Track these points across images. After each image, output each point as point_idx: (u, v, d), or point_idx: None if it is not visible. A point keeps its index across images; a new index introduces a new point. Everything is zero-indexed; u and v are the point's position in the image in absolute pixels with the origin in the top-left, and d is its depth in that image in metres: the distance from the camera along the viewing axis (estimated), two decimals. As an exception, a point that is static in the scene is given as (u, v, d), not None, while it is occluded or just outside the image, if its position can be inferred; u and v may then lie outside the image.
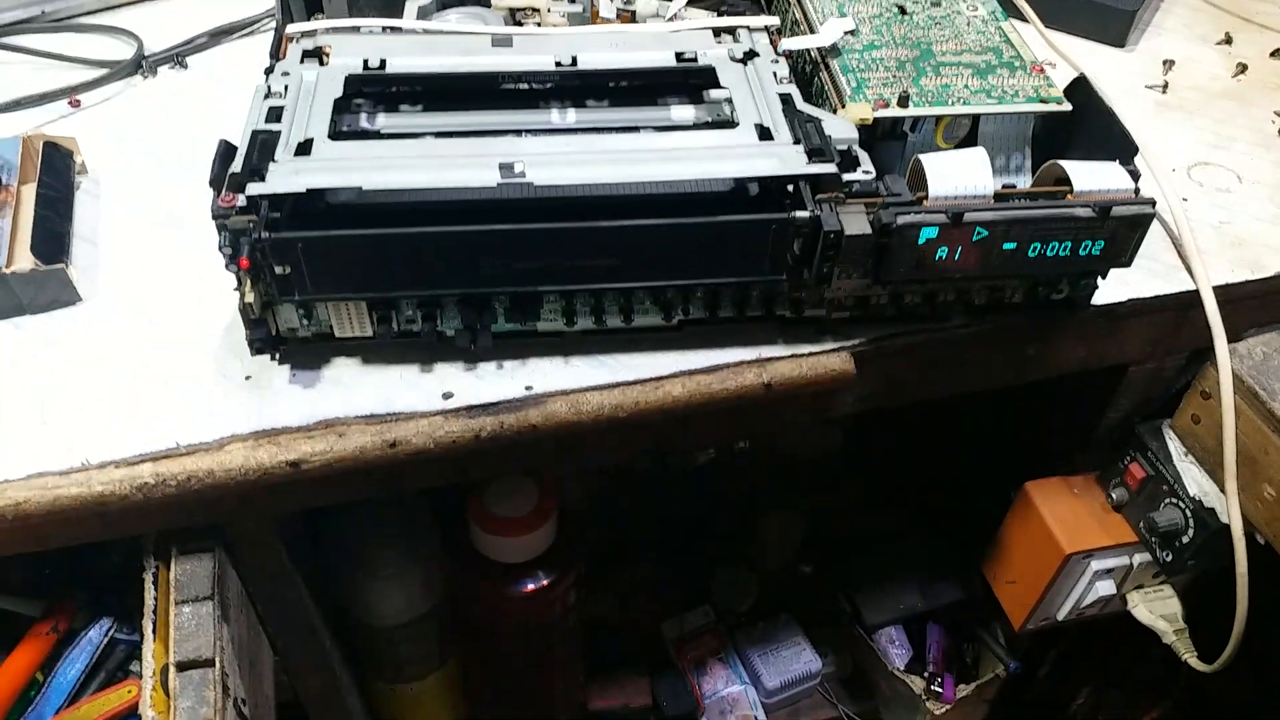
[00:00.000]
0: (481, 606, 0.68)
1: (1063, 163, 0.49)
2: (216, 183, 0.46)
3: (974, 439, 0.84)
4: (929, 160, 0.48)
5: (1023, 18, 0.71)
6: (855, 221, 0.47)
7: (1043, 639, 0.84)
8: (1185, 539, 0.63)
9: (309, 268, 0.45)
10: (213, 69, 0.71)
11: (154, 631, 0.49)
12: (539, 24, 0.62)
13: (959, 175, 0.48)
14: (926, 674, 0.87)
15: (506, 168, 0.47)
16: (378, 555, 0.65)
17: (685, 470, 0.96)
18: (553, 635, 0.71)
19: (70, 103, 0.66)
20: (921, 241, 0.48)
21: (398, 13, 0.62)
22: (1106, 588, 0.69)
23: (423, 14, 0.61)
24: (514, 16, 0.62)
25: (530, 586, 0.67)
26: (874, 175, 0.48)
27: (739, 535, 0.97)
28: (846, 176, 0.48)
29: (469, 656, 0.75)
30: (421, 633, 0.69)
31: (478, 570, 0.66)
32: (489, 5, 0.62)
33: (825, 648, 0.92)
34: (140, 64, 0.69)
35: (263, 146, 0.48)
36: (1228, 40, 0.77)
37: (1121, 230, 0.48)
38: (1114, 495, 0.68)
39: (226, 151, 0.48)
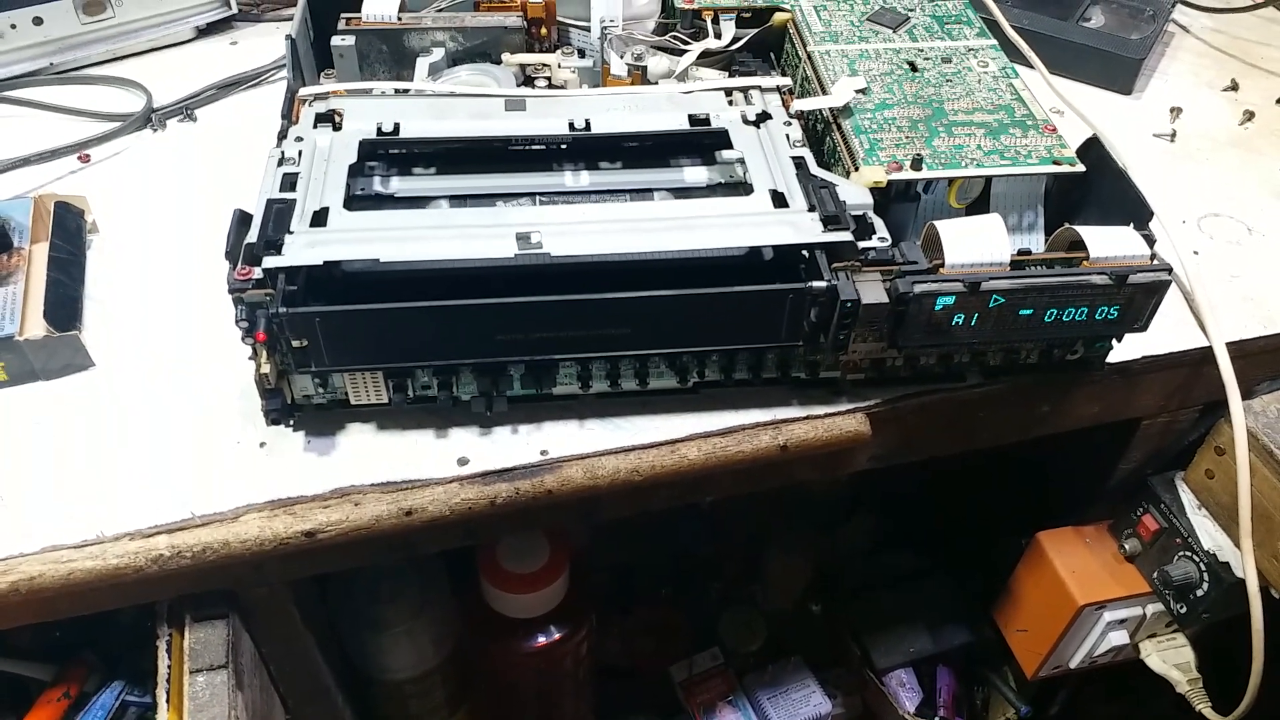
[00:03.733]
0: (493, 662, 0.68)
1: (1077, 228, 0.50)
2: (232, 255, 0.46)
3: (985, 485, 0.84)
4: (945, 228, 0.48)
5: (1029, 64, 0.71)
6: (872, 290, 0.47)
7: (1053, 680, 0.84)
8: (1199, 592, 0.63)
9: (326, 340, 0.45)
10: (222, 121, 0.71)
11: (167, 700, 0.49)
12: (549, 79, 0.62)
13: (975, 243, 0.48)
14: (938, 718, 0.86)
15: (523, 238, 0.47)
16: (387, 611, 0.65)
17: (692, 505, 0.96)
18: (564, 688, 0.71)
19: (80, 158, 0.66)
20: (938, 309, 0.48)
21: (408, 70, 0.62)
22: (1119, 638, 0.69)
23: (433, 71, 0.61)
24: (525, 73, 0.62)
25: (542, 641, 0.66)
26: (889, 242, 0.48)
27: (746, 575, 0.97)
28: (862, 244, 0.48)
29: (478, 708, 0.75)
30: (431, 686, 0.69)
31: (490, 626, 0.66)
32: (499, 62, 0.62)
33: (835, 690, 0.91)
34: (150, 117, 0.69)
35: (278, 216, 0.47)
36: (1234, 86, 0.77)
37: (1138, 296, 0.49)
38: (1126, 546, 0.68)
39: (241, 221, 0.48)
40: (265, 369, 0.47)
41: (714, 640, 0.93)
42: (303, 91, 0.56)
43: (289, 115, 0.56)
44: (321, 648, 0.58)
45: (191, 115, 0.70)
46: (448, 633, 0.68)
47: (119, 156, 0.67)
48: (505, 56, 0.62)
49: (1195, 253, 0.63)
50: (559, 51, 0.64)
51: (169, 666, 0.50)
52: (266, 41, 0.78)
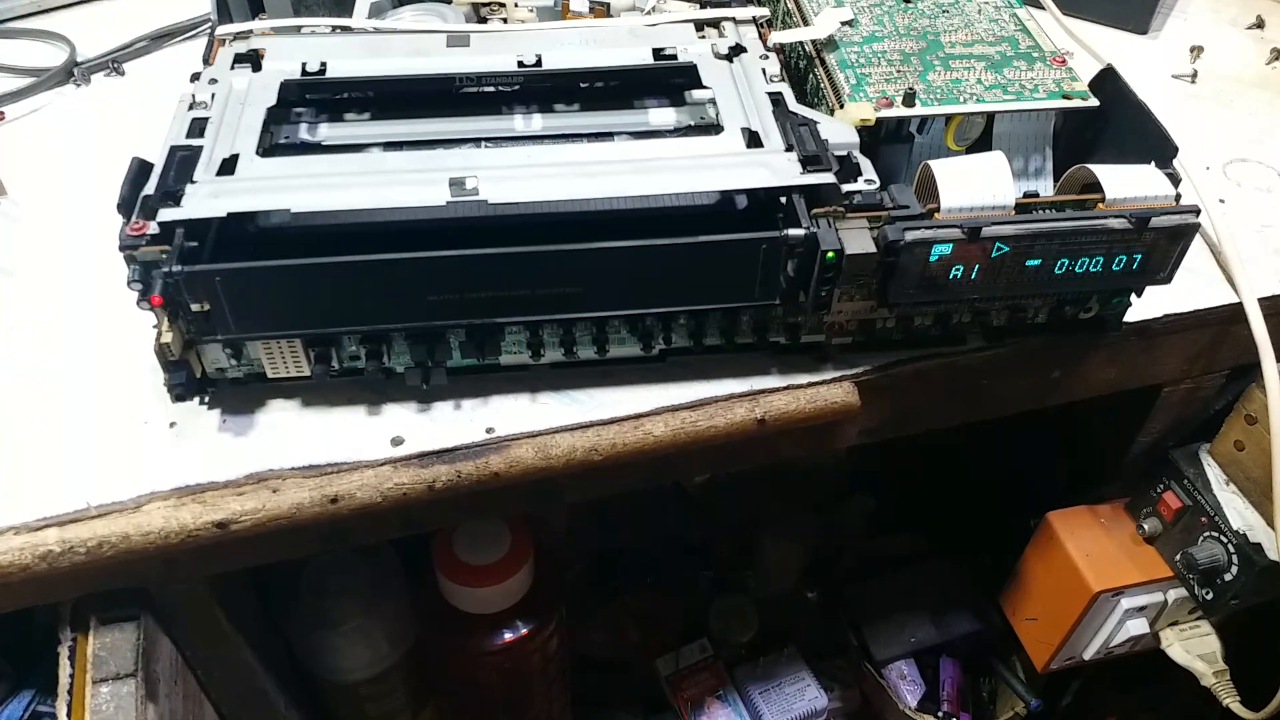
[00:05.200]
0: (453, 661, 0.63)
1: (1091, 166, 0.44)
2: (126, 207, 0.41)
3: (991, 459, 0.78)
4: (940, 167, 0.42)
5: (1038, 4, 0.65)
6: (857, 239, 0.41)
7: (1066, 671, 0.79)
8: (1227, 576, 0.57)
9: (230, 304, 0.40)
10: (152, 76, 0.65)
11: (69, 713, 0.44)
12: (505, 20, 0.56)
13: (974, 184, 0.42)
14: (941, 713, 0.81)
15: (457, 184, 0.41)
16: (336, 606, 0.59)
17: (678, 486, 0.90)
18: (534, 686, 0.65)
19: (-7, 115, 0.60)
20: (933, 260, 0.42)
21: (349, 11, 0.56)
22: (1138, 626, 0.63)
23: (375, 12, 0.55)
24: (477, 13, 0.56)
25: (508, 637, 0.61)
26: (877, 185, 0.43)
27: (737, 560, 0.92)
28: (846, 187, 0.42)
29: (444, 708, 0.69)
30: (389, 687, 0.64)
31: (447, 622, 0.60)
32: (449, 1, 0.56)
33: (831, 683, 0.86)
34: (72, 71, 0.63)
35: (181, 165, 0.42)
36: (1259, 24, 0.71)
37: (1161, 243, 0.43)
38: (1145, 526, 0.62)
39: (140, 170, 0.42)
40: (166, 338, 0.41)
41: (703, 631, 0.88)
42: (220, 30, 0.50)
43: (209, 59, 0.50)
44: (255, 649, 0.53)
45: (119, 69, 0.64)
46: (405, 628, 0.63)
47: (37, 114, 0.61)
48: (455, -5, 0.56)
49: (1221, 201, 0.57)
50: (515, -11, 0.58)
51: (71, 675, 0.44)
52: (206, -9, 0.71)
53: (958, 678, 0.83)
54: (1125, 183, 0.43)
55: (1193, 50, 0.68)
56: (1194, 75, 0.66)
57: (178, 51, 0.67)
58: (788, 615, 0.89)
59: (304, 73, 0.48)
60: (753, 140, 0.44)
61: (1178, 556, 0.60)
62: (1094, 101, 0.47)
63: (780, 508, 0.89)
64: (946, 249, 0.41)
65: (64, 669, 0.45)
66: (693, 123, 0.49)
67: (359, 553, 0.61)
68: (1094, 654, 0.66)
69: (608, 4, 0.56)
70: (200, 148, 0.43)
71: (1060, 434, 0.68)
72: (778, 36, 0.51)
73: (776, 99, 0.47)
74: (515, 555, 0.59)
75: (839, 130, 0.45)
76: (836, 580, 0.88)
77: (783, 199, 0.42)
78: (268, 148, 0.45)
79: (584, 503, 0.86)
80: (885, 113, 0.46)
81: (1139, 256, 0.43)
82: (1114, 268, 0.43)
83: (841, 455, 0.92)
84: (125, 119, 0.61)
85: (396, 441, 0.44)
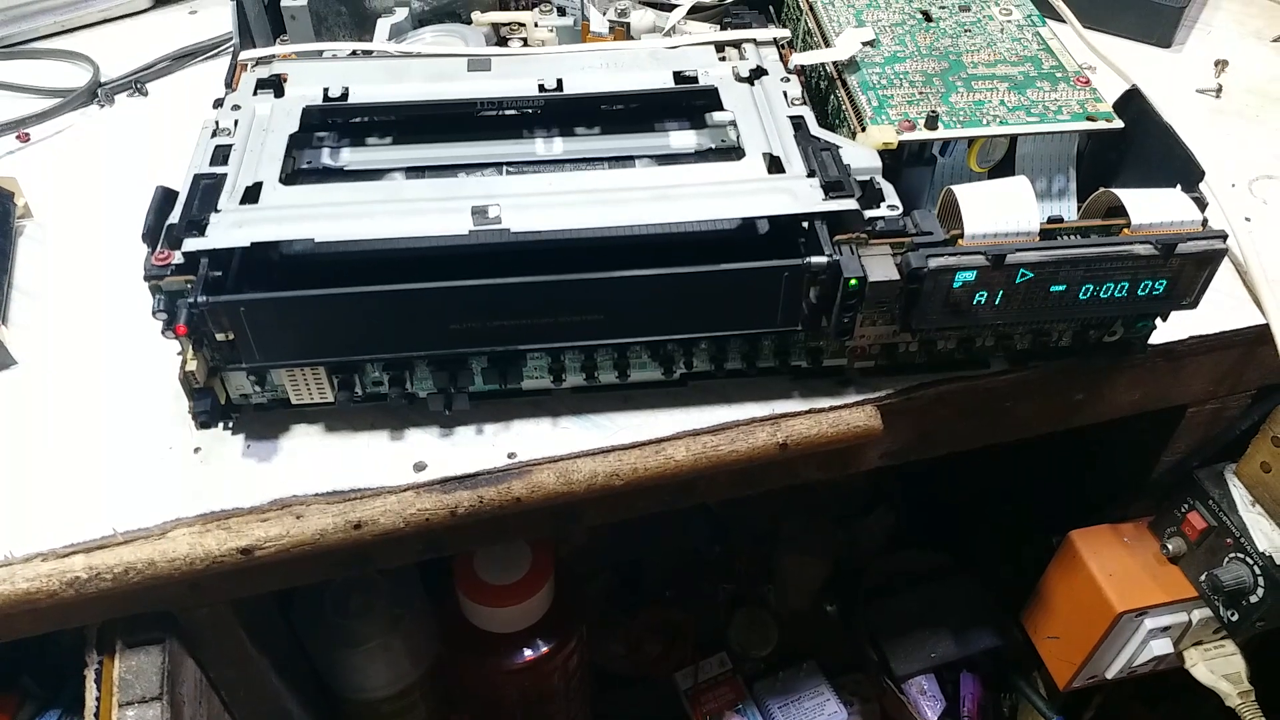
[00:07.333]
0: (474, 679, 0.63)
1: (1117, 191, 0.43)
2: (151, 236, 0.41)
3: (1014, 478, 0.78)
4: (964, 193, 0.42)
5: (1059, 18, 0.65)
6: (880, 266, 0.41)
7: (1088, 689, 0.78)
8: (1253, 598, 0.57)
9: (254, 333, 0.40)
10: (175, 96, 0.65)
11: (96, 737, 0.44)
12: (525, 40, 0.56)
13: (999, 210, 0.42)
14: (962, 728, 0.80)
15: (480, 212, 0.41)
16: (359, 625, 0.59)
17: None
18: (554, 704, 0.65)
19: (19, 137, 0.61)
20: (956, 286, 0.42)
21: (370, 33, 0.56)
22: (1162, 646, 0.63)
23: (395, 34, 0.55)
24: (498, 33, 0.56)
25: (528, 656, 0.61)
26: (900, 211, 0.42)
27: (757, 574, 0.91)
28: (869, 213, 0.42)
29: (465, 725, 0.69)
30: (410, 704, 0.64)
31: (468, 641, 0.60)
32: (469, 22, 0.56)
33: (851, 698, 0.85)
34: (96, 92, 0.64)
35: (205, 193, 0.42)
36: (1285, 37, 0.70)
37: (1187, 269, 0.42)
38: (1169, 546, 0.61)
39: (164, 199, 0.42)
40: (191, 366, 0.41)
41: (722, 645, 0.88)
42: (244, 55, 0.50)
43: (231, 83, 0.50)
44: (279, 670, 0.53)
45: (142, 89, 0.65)
46: (427, 646, 0.63)
47: (61, 135, 0.62)
48: (475, 15, 0.57)
49: (1247, 219, 0.56)
50: (536, 9, 0.58)
51: (97, 699, 0.45)
52: (227, 10, 0.71)
53: (978, 693, 0.82)
54: (1151, 207, 0.43)
55: (1217, 64, 0.67)
56: (1219, 90, 0.65)
57: (200, 71, 0.67)
58: (807, 629, 0.89)
59: (326, 98, 0.48)
60: (774, 165, 0.44)
61: (1202, 577, 0.59)
62: (1118, 123, 0.47)
63: (801, 522, 0.89)
64: (970, 275, 0.41)
65: (90, 692, 0.45)
66: (714, 146, 0.49)
67: (381, 572, 0.61)
68: (1117, 673, 0.65)
69: (628, 25, 0.56)
70: (224, 175, 0.43)
71: (1083, 452, 0.68)
72: (799, 58, 0.51)
73: (798, 123, 0.46)
74: (536, 575, 0.59)
75: (861, 154, 0.44)
76: (857, 595, 0.88)
77: (805, 225, 0.42)
78: (290, 174, 0.45)
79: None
80: (908, 136, 0.46)
81: (1165, 282, 0.43)
82: (1139, 293, 0.43)
83: (863, 471, 0.92)
84: (149, 140, 0.62)
85: (419, 467, 0.44)
